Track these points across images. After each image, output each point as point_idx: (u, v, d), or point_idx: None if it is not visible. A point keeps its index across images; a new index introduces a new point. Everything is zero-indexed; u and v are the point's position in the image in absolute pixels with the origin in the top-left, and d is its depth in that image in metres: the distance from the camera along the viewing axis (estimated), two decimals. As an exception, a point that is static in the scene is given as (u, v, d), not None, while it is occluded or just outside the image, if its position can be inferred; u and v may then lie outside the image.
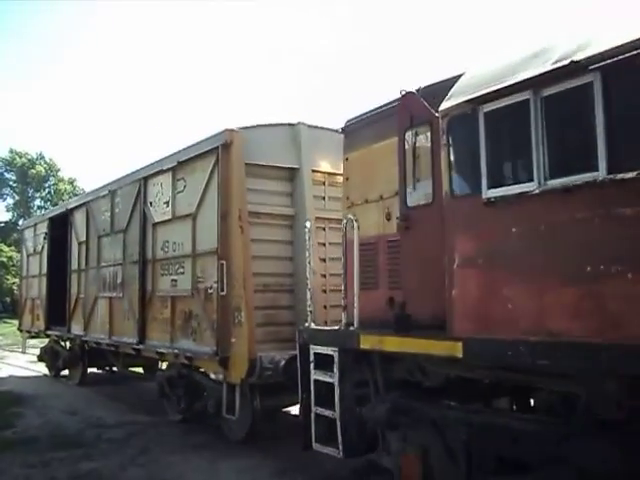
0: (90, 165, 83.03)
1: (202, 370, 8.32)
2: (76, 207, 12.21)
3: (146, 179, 9.30)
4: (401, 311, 5.32)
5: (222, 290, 7.30)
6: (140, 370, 13.00)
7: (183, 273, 8.27)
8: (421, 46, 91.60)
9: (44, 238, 14.01)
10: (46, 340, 15.24)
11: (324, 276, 8.01)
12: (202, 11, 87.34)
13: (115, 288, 10.13)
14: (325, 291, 7.90)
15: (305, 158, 8.02)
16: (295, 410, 7.24)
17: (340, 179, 8.48)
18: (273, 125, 8.07)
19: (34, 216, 15.45)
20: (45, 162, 56.34)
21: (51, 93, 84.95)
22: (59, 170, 57.04)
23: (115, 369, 13.30)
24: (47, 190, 56.39)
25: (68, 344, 13.86)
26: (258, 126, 7.90)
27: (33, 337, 15.36)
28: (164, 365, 12.85)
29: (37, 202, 55.74)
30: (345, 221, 5.88)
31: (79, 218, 12.12)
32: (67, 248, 12.59)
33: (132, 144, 77.44)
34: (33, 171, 54.39)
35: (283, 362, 7.16)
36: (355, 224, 5.67)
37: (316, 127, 8.32)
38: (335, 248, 7.69)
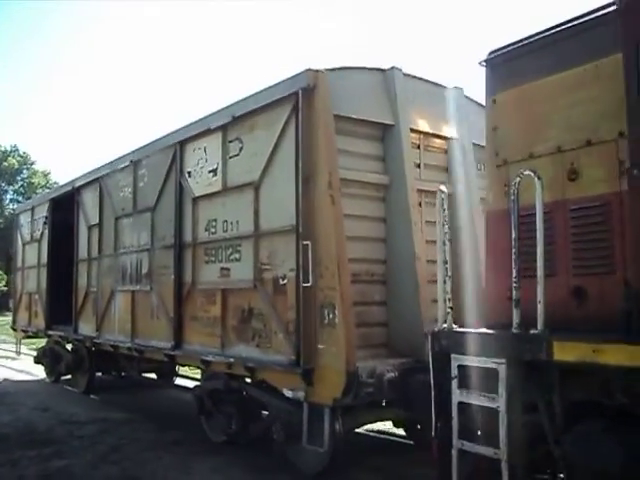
0: (66, 158, 79.53)
1: (260, 383, 6.40)
2: (85, 184, 10.10)
3: (183, 144, 7.29)
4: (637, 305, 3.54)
5: (306, 281, 5.34)
6: (153, 376, 11.13)
7: (239, 259, 6.29)
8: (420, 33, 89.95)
9: (44, 223, 11.88)
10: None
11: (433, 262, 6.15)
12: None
13: (139, 280, 8.11)
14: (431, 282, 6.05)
15: (402, 113, 6.10)
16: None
17: (438, 143, 6.68)
18: (361, 69, 6.11)
19: (32, 198, 13.14)
20: (19, 155, 54.17)
21: (26, 84, 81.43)
22: (33, 163, 54.93)
23: (124, 374, 11.39)
24: (20, 183, 54.19)
25: (70, 345, 11.87)
26: (343, 69, 5.94)
27: (30, 337, 13.22)
28: (182, 370, 11.13)
29: (9, 195, 54.13)
30: (514, 182, 3.99)
31: (89, 197, 10.03)
32: (73, 233, 10.49)
33: (110, 137, 74.09)
34: (6, 164, 52.07)
35: (389, 375, 5.29)
36: (538, 184, 3.80)
37: (412, 76, 6.42)
38: (429, 229, 5.87)
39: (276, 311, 5.73)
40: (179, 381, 10.92)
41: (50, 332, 11.51)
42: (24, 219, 13.14)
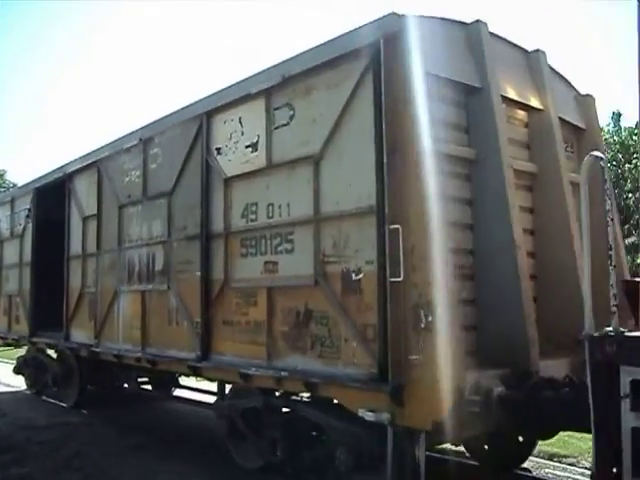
0: (24, 159, 75.29)
1: (316, 401, 5.20)
2: (80, 170, 8.67)
3: (211, 115, 6.03)
4: None
5: (395, 274, 4.17)
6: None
7: (291, 251, 5.08)
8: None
9: (27, 216, 10.38)
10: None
11: (531, 255, 5.08)
12: None
13: (151, 278, 6.78)
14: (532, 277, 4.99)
15: (491, 75, 5.01)
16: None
17: (520, 115, 5.58)
18: (442, 19, 4.97)
19: (11, 189, 11.59)
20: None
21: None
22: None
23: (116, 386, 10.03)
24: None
25: (55, 353, 10.41)
26: (422, 17, 4.80)
27: (8, 345, 11.66)
28: (188, 381, 9.81)
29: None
30: None
31: (84, 184, 8.62)
32: (62, 227, 9.08)
33: (76, 138, 70.49)
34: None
35: (499, 390, 4.20)
36: None
37: (497, 36, 5.34)
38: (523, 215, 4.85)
39: (347, 313, 4.54)
40: (178, 392, 9.62)
41: (35, 339, 10.00)
42: (2, 213, 11.56)
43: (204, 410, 7.56)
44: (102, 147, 8.07)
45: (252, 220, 5.49)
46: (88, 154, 8.46)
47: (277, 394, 5.69)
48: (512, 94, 5.29)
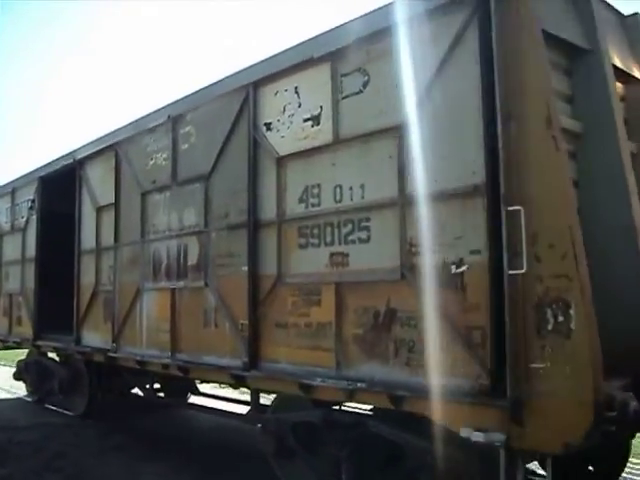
0: (19, 158, 72.93)
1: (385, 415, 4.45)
2: (93, 155, 7.86)
3: (258, 85, 5.26)
4: None
5: (517, 266, 3.44)
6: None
7: (367, 240, 4.31)
8: None
9: (30, 208, 9.53)
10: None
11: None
12: None
13: (183, 273, 5.98)
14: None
15: (601, 37, 4.30)
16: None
17: (618, 87, 4.88)
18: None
19: (12, 179, 10.66)
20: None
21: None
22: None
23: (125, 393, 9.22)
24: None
25: (59, 357, 9.58)
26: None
27: (8, 348, 10.77)
28: (203, 386, 9.02)
29: None
30: None
31: (98, 171, 7.80)
32: (74, 219, 8.25)
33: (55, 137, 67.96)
34: None
35: (635, 405, 3.47)
36: None
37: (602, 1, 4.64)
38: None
39: (444, 313, 3.80)
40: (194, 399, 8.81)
41: (40, 343, 9.14)
42: (2, 205, 10.69)
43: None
44: (121, 128, 7.25)
45: (313, 205, 4.72)
46: (104, 137, 7.63)
47: (336, 407, 4.97)
48: (616, 61, 4.59)
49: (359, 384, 4.21)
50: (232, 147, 5.49)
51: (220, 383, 6.20)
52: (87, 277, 7.93)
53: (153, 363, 6.42)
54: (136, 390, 8.64)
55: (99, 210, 7.70)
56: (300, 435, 5.14)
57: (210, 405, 7.87)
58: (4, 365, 14.35)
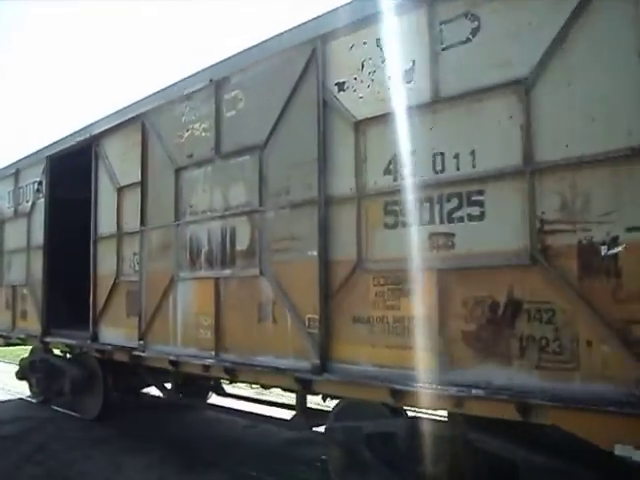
0: None
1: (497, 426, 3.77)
2: (114, 128, 7.11)
3: (328, 39, 4.53)
4: None
5: None
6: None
7: (480, 217, 3.57)
8: None
9: (37, 190, 8.74)
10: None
11: None
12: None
13: (231, 260, 5.25)
14: None
15: None
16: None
17: None
18: None
19: (15, 160, 9.87)
20: None
21: None
22: None
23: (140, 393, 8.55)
24: None
25: (68, 354, 8.85)
26: None
27: (10, 345, 9.98)
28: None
29: None
30: None
31: (118, 147, 7.03)
32: (91, 201, 7.49)
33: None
34: None
35: None
36: None
37: None
38: None
39: (590, 305, 3.13)
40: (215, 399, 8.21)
41: (49, 339, 8.38)
42: (2, 189, 9.86)
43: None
44: (149, 96, 6.49)
45: (405, 177, 4.02)
46: (126, 108, 6.87)
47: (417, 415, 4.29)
48: None
49: (474, 391, 3.53)
50: (294, 112, 4.76)
51: (278, 388, 5.45)
52: (106, 266, 7.19)
53: (191, 364, 5.69)
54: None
55: (120, 191, 6.95)
56: (377, 448, 4.47)
57: (234, 407, 7.29)
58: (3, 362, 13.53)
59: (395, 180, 4.08)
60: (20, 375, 9.66)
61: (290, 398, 7.84)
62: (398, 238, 4.05)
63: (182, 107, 5.96)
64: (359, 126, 4.31)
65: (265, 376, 4.94)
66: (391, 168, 4.11)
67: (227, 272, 5.28)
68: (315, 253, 4.48)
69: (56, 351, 9.01)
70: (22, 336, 9.00)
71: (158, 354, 6.08)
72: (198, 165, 5.72)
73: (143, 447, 6.63)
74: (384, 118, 4.16)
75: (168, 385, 7.31)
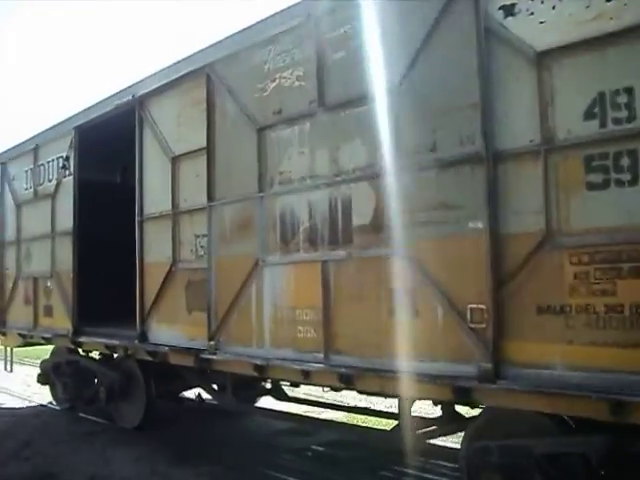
0: None
1: None
2: (165, 87, 6.13)
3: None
4: None
5: None
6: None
7: None
8: None
9: (63, 167, 7.75)
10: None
11: None
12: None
13: (344, 239, 4.26)
14: None
15: None
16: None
17: None
18: None
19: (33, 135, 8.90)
20: None
21: None
22: None
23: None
24: None
25: (97, 355, 7.98)
26: None
27: (29, 345, 9.04)
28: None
29: None
30: None
31: (171, 108, 6.03)
32: (135, 174, 6.56)
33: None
34: None
35: None
36: None
37: None
38: None
39: None
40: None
41: (83, 340, 7.43)
42: (18, 168, 8.87)
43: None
44: (216, 43, 5.54)
45: (618, 121, 3.12)
46: (183, 60, 5.91)
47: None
48: None
49: None
50: (439, 47, 3.82)
51: (423, 399, 4.54)
52: (157, 252, 6.26)
53: (285, 369, 4.78)
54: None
55: (175, 161, 6.01)
56: (551, 474, 3.60)
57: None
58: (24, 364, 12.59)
59: (603, 126, 3.18)
60: (42, 379, 8.76)
61: (368, 402, 7.18)
62: (610, 201, 3.15)
63: (264, 53, 5.01)
64: (541, 59, 3.39)
65: (401, 384, 4.02)
66: (595, 111, 3.20)
67: (340, 253, 4.35)
68: (480, 225, 3.57)
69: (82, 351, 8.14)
70: (47, 335, 8.05)
71: (237, 357, 5.16)
72: (290, 122, 4.78)
73: (132, 439, 6.67)
74: (581, 47, 3.25)
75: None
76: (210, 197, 5.50)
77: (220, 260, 5.41)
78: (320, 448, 6.29)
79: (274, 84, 4.93)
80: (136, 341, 6.46)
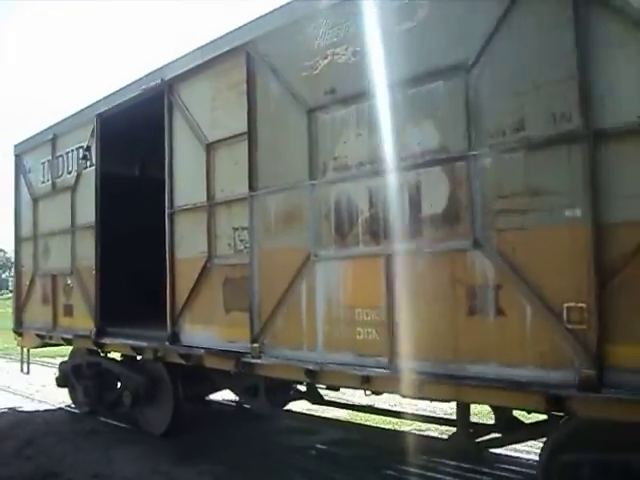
0: None
1: None
2: (196, 69, 5.79)
3: None
4: None
5: None
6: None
7: None
8: None
9: (84, 158, 7.43)
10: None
11: None
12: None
13: (413, 230, 3.89)
14: None
15: None
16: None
17: None
18: None
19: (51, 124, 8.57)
20: None
21: None
22: None
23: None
24: None
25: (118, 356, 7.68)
26: None
27: (49, 346, 8.72)
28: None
29: None
30: None
31: (203, 92, 5.70)
32: (165, 163, 6.22)
33: None
34: None
35: None
36: None
37: None
38: None
39: None
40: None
41: (107, 341, 7.11)
42: (34, 160, 8.56)
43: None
44: (256, 19, 5.18)
45: None
46: (218, 40, 5.56)
47: None
48: None
49: None
50: (527, 13, 3.45)
51: (514, 408, 4.16)
52: (189, 247, 5.93)
53: (341, 375, 4.41)
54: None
55: (210, 148, 5.67)
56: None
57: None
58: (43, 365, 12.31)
59: None
60: (61, 382, 8.46)
61: (409, 406, 6.90)
62: None
63: (314, 27, 4.65)
64: (655, 22, 3.03)
65: (481, 392, 3.67)
66: None
67: (407, 246, 3.99)
68: (579, 213, 3.22)
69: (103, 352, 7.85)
70: (67, 336, 7.74)
71: (284, 361, 4.82)
72: (345, 102, 4.41)
73: (134, 438, 6.74)
74: None
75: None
76: (252, 186, 5.15)
77: (264, 255, 5.05)
78: (324, 447, 6.31)
79: (325, 61, 4.56)
80: (167, 343, 6.13)
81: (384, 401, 7.04)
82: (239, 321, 5.29)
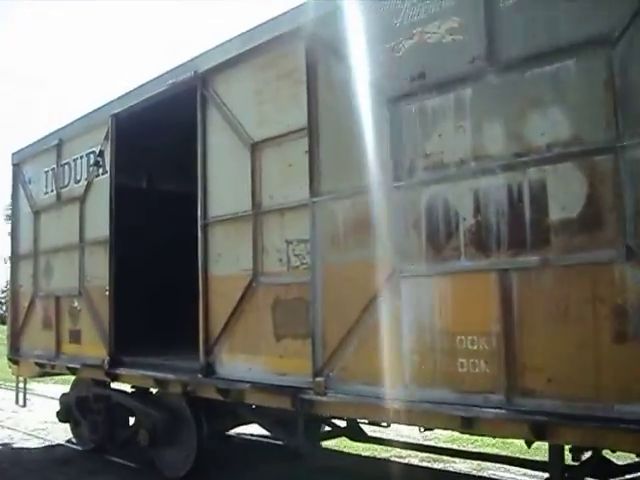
0: None
1: None
2: (236, 59, 5.16)
3: None
4: None
5: None
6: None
7: None
8: None
9: (96, 164, 6.77)
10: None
11: None
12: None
13: (533, 240, 3.26)
14: None
15: None
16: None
17: None
18: None
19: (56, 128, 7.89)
20: None
21: None
22: None
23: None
24: None
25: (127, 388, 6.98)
26: None
27: (48, 375, 7.97)
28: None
29: None
30: None
31: (246, 84, 5.12)
32: (198, 166, 5.58)
33: None
34: None
35: None
36: None
37: None
38: None
39: None
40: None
41: (123, 372, 6.37)
42: (35, 169, 7.87)
43: None
44: (315, -1, 4.62)
45: None
46: (269, 21, 4.98)
47: None
48: None
49: None
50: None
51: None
52: (228, 263, 5.28)
53: (438, 415, 3.78)
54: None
55: (256, 148, 5.06)
56: None
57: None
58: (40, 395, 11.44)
59: None
60: (63, 416, 7.69)
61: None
62: None
63: (394, 3, 4.09)
64: None
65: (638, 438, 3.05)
66: None
67: (529, 259, 3.38)
68: None
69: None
70: (73, 365, 7.00)
71: (359, 398, 4.16)
72: (440, 89, 3.83)
73: (109, 467, 6.70)
74: None
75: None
76: (313, 191, 4.52)
77: (329, 271, 4.41)
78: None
79: (411, 42, 3.99)
80: (199, 375, 5.45)
81: (429, 437, 6.53)
82: (294, 350, 4.64)
